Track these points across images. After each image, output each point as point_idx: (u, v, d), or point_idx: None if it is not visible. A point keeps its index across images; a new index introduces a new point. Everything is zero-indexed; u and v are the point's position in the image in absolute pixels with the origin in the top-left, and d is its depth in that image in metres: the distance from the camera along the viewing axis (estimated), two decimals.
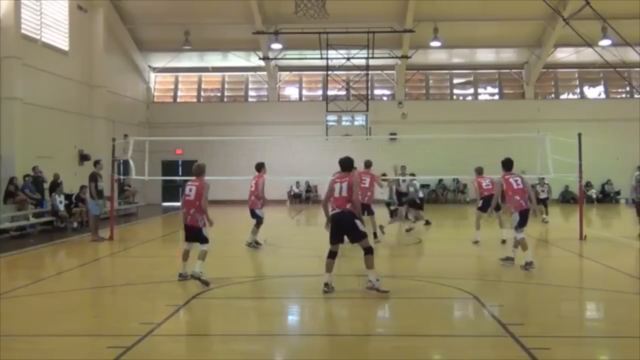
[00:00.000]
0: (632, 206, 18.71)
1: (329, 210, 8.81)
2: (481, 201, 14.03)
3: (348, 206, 8.31)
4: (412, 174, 17.78)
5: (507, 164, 10.88)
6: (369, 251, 8.27)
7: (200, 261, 8.98)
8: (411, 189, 17.27)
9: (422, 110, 29.92)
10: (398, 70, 30.71)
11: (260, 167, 13.60)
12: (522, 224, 10.26)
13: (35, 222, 17.29)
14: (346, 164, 8.75)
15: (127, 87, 28.85)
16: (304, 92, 32.44)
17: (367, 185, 13.66)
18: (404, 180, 17.23)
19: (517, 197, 10.28)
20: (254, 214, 13.39)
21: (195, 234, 9.26)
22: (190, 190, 9.25)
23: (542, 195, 19.00)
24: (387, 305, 7.82)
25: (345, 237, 8.55)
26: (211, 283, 8.91)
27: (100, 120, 24.38)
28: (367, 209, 13.14)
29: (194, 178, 9.47)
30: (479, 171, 14.61)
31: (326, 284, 8.37)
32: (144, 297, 8.60)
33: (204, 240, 9.22)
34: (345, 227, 8.36)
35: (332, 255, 8.48)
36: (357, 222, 8.34)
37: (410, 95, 31.68)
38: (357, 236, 8.37)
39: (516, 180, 10.52)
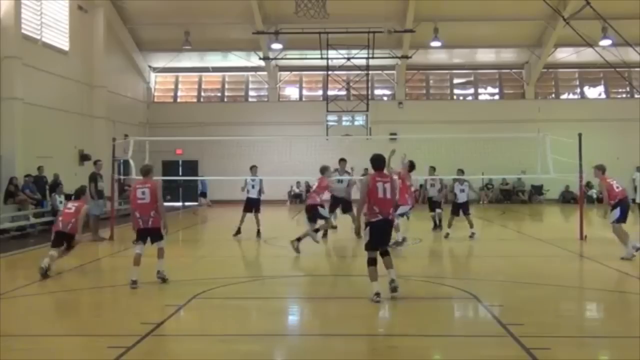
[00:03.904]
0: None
1: (360, 216, 8.47)
2: (618, 208, 11.38)
3: (391, 212, 8.02)
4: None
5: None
6: (386, 253, 8.03)
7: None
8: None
9: (422, 110, 29.92)
10: (398, 70, 30.72)
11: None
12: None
13: (35, 222, 17.29)
14: (378, 162, 8.14)
15: (127, 87, 28.86)
16: (304, 92, 32.45)
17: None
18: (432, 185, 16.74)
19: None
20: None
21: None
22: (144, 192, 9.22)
23: (462, 197, 15.26)
24: (387, 305, 7.81)
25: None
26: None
27: (101, 120, 24.39)
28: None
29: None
30: (603, 169, 11.93)
31: (377, 294, 7.70)
32: (144, 297, 8.59)
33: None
34: (387, 234, 8.12)
35: (374, 262, 7.88)
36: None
37: (410, 95, 31.69)
38: (387, 241, 8.21)
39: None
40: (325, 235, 14.73)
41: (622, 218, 11.24)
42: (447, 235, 14.78)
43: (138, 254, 9.02)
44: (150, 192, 9.09)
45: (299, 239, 12.31)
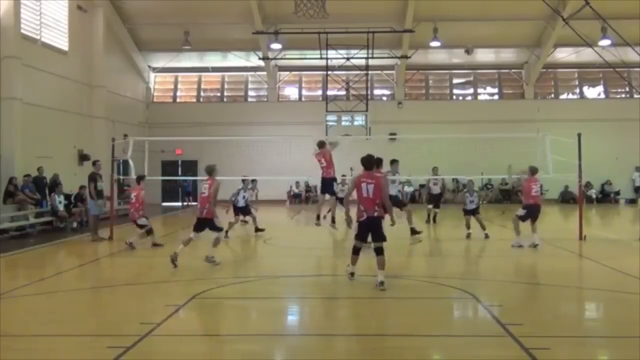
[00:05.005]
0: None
1: (349, 207, 9.42)
2: (526, 211, 13.00)
3: (377, 209, 8.50)
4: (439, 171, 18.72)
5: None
6: (380, 252, 8.49)
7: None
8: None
9: (422, 110, 29.93)
10: (398, 70, 30.72)
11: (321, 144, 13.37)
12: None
13: (35, 222, 17.28)
14: (368, 163, 8.77)
15: (126, 87, 28.86)
16: (304, 92, 32.45)
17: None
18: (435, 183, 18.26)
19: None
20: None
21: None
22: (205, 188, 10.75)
23: (470, 206, 14.91)
24: (387, 305, 7.81)
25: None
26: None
27: (100, 120, 24.38)
28: None
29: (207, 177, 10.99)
30: (533, 171, 13.32)
31: (352, 274, 8.89)
32: (144, 297, 8.60)
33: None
34: (373, 230, 8.60)
35: (357, 251, 8.78)
36: (383, 225, 8.61)
37: (409, 95, 31.70)
38: (380, 238, 8.58)
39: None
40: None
41: (524, 218, 12.99)
42: (420, 232, 14.96)
43: (190, 237, 10.68)
44: (209, 188, 10.58)
45: (318, 217, 13.23)
